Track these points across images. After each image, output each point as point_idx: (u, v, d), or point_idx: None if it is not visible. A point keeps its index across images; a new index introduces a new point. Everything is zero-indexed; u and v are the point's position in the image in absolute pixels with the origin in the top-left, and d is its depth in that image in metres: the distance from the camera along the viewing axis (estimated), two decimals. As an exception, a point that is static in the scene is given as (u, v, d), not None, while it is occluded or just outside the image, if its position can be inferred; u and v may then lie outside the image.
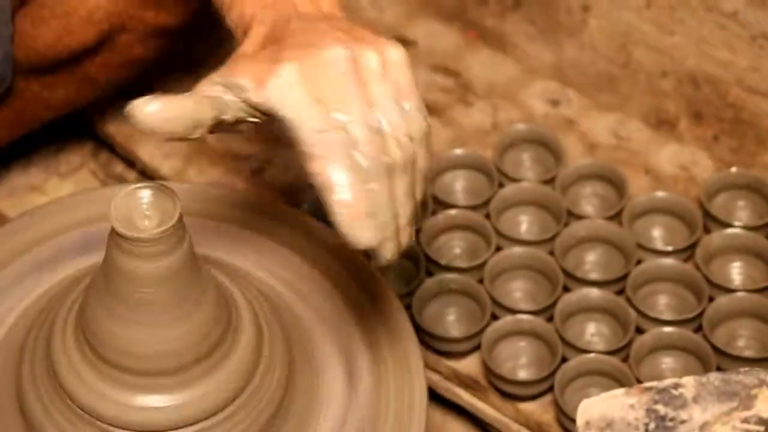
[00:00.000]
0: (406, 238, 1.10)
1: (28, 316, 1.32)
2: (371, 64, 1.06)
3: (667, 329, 1.60)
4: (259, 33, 1.11)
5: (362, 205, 1.04)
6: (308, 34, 1.08)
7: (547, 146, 1.81)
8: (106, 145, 1.88)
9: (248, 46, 1.11)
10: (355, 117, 1.03)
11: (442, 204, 1.74)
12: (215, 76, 1.08)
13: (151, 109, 1.04)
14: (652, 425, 1.04)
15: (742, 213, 1.75)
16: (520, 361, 1.63)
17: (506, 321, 1.62)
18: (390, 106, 1.05)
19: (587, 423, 1.04)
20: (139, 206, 1.15)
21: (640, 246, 1.68)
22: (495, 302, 1.63)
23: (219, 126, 1.09)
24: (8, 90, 1.61)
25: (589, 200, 1.78)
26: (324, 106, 1.02)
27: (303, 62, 1.03)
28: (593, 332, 1.65)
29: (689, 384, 1.05)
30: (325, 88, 1.03)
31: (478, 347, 1.62)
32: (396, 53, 1.07)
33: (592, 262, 1.71)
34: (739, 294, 1.63)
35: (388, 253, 1.09)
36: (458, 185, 1.80)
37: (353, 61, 1.05)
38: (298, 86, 1.03)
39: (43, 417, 1.21)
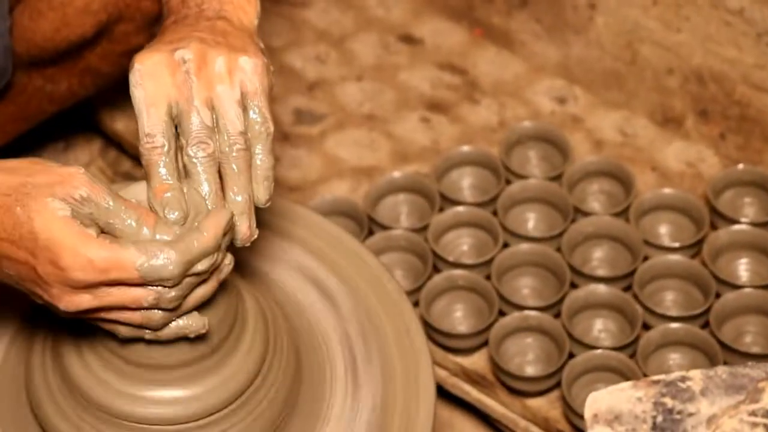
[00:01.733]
0: (241, 229, 1.16)
1: (38, 314, 1.32)
2: (219, 68, 1.16)
3: (674, 325, 1.61)
4: (163, 25, 1.24)
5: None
6: (179, 33, 1.19)
7: (553, 143, 1.82)
8: (114, 143, 1.89)
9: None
10: (188, 112, 1.15)
11: (450, 201, 1.75)
12: None
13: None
14: (659, 418, 1.04)
15: (748, 209, 1.76)
16: (527, 358, 1.64)
17: (513, 317, 1.62)
18: (229, 107, 1.16)
19: (595, 416, 1.04)
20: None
21: (646, 242, 1.69)
22: (502, 298, 1.64)
23: None
24: (11, 84, 1.61)
25: (595, 197, 1.78)
26: (163, 104, 1.14)
27: (149, 61, 1.15)
28: (600, 328, 1.66)
29: (697, 377, 1.05)
30: (168, 86, 1.14)
31: (485, 343, 1.62)
32: (246, 61, 1.18)
33: (599, 258, 1.72)
34: (746, 290, 1.63)
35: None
36: (465, 182, 1.80)
37: (202, 63, 1.16)
38: (139, 87, 1.14)
39: (50, 407, 1.22)
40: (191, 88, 1.15)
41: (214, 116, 1.16)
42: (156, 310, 1.12)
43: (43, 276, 1.08)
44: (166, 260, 1.08)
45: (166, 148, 1.13)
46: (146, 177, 1.15)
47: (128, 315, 1.11)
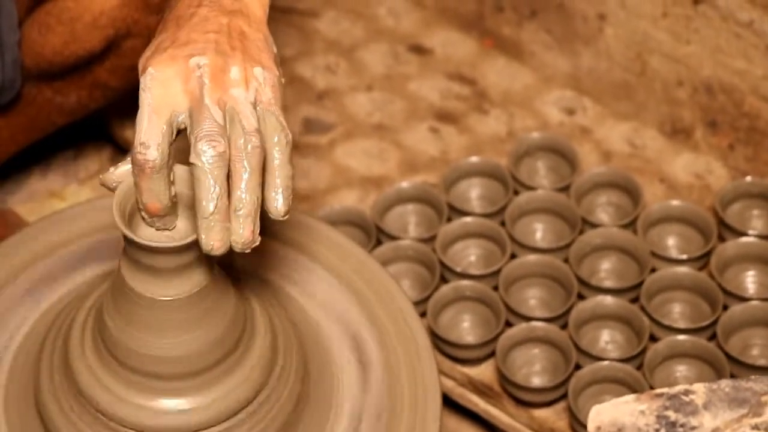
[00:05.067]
0: (244, 233, 1.12)
1: (47, 319, 1.33)
2: (234, 75, 1.15)
3: (681, 337, 1.61)
4: (173, 13, 1.21)
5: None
6: (194, 33, 1.16)
7: (562, 154, 1.82)
8: (125, 151, 1.90)
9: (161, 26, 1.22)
10: (199, 111, 1.12)
11: (458, 211, 1.75)
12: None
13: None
14: (662, 431, 1.04)
15: (756, 222, 1.76)
16: (534, 368, 1.64)
17: (521, 328, 1.62)
18: (245, 106, 1.13)
19: (598, 428, 1.05)
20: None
21: (654, 254, 1.69)
22: (509, 309, 1.64)
23: None
24: (21, 96, 1.62)
25: (603, 208, 1.79)
26: (167, 113, 1.12)
27: (164, 69, 1.13)
28: (607, 340, 1.66)
29: (700, 390, 1.05)
30: (178, 95, 1.13)
31: (492, 354, 1.62)
32: (261, 72, 1.16)
33: (606, 270, 1.72)
34: (754, 303, 1.63)
35: (213, 240, 1.11)
36: (473, 193, 1.81)
37: (218, 70, 1.14)
38: (147, 90, 1.13)
39: (61, 420, 1.22)
40: (203, 89, 1.12)
41: (226, 117, 1.12)
42: None
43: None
44: None
45: (158, 162, 1.11)
46: (135, 186, 1.12)
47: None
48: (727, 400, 1.05)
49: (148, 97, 1.12)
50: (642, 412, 1.05)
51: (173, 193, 1.13)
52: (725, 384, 1.05)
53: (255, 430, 1.22)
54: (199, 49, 1.15)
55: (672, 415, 1.05)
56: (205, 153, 1.10)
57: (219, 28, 1.18)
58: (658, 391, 1.06)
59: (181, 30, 1.18)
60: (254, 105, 1.14)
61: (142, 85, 1.13)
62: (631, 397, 1.06)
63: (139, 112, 1.12)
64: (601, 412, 1.05)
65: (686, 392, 1.05)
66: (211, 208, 1.10)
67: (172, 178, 1.13)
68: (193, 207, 1.14)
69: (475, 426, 1.69)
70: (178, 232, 1.16)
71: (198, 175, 1.10)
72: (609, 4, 1.87)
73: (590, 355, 1.59)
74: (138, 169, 1.11)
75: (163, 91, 1.12)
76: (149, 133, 1.11)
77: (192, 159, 1.10)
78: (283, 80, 1.19)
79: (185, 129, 1.14)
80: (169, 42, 1.16)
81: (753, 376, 1.06)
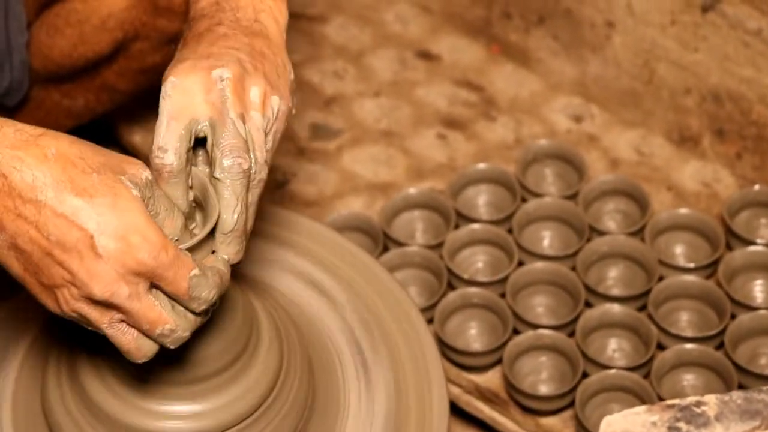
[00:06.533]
0: (244, 246, 1.15)
1: (53, 325, 1.33)
2: (253, 97, 1.15)
3: (689, 346, 1.60)
4: (192, 31, 1.21)
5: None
6: (216, 47, 1.17)
7: (569, 162, 1.82)
8: (132, 155, 1.89)
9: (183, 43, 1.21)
10: (223, 123, 1.13)
11: (465, 218, 1.75)
12: None
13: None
14: (673, 443, 1.04)
15: (764, 230, 1.75)
16: (541, 376, 1.64)
17: (528, 336, 1.62)
18: (260, 134, 1.14)
19: (609, 439, 1.05)
20: None
21: (662, 262, 1.68)
22: (517, 317, 1.64)
23: None
24: (29, 99, 1.62)
25: (611, 216, 1.78)
26: (186, 119, 1.12)
27: (186, 77, 1.13)
28: (615, 348, 1.65)
29: (711, 402, 1.05)
30: (199, 104, 1.13)
31: (499, 361, 1.62)
32: (277, 102, 1.17)
33: (614, 277, 1.71)
34: (762, 312, 1.63)
35: (229, 254, 1.13)
36: (481, 200, 1.81)
37: (239, 87, 1.14)
38: (168, 98, 1.13)
39: (67, 422, 1.22)
40: (225, 103, 1.13)
41: (245, 134, 1.14)
42: (152, 343, 1.09)
43: (98, 247, 1.04)
44: (213, 282, 1.08)
45: (176, 167, 1.11)
46: None
47: (125, 337, 1.09)
48: (738, 411, 1.05)
49: (167, 104, 1.13)
50: (653, 423, 1.04)
51: (191, 198, 1.13)
52: (737, 395, 1.05)
53: (269, 428, 1.22)
54: (222, 62, 1.15)
55: (683, 426, 1.04)
56: (231, 169, 1.12)
57: (240, 45, 1.18)
58: (670, 402, 1.05)
59: (200, 45, 1.18)
60: (265, 134, 1.15)
61: (162, 94, 1.13)
62: (642, 408, 1.05)
63: (158, 118, 1.13)
64: (612, 423, 1.05)
65: (698, 404, 1.05)
66: (233, 224, 1.12)
67: (190, 184, 1.13)
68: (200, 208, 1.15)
69: (482, 433, 1.69)
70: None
71: (221, 191, 1.12)
72: (617, 11, 1.87)
73: (597, 364, 1.59)
74: (156, 173, 1.12)
75: (183, 98, 1.13)
76: (167, 137, 1.12)
77: (217, 174, 1.12)
78: (294, 111, 1.20)
79: (203, 138, 1.14)
80: (189, 53, 1.17)
81: (765, 388, 1.05)
